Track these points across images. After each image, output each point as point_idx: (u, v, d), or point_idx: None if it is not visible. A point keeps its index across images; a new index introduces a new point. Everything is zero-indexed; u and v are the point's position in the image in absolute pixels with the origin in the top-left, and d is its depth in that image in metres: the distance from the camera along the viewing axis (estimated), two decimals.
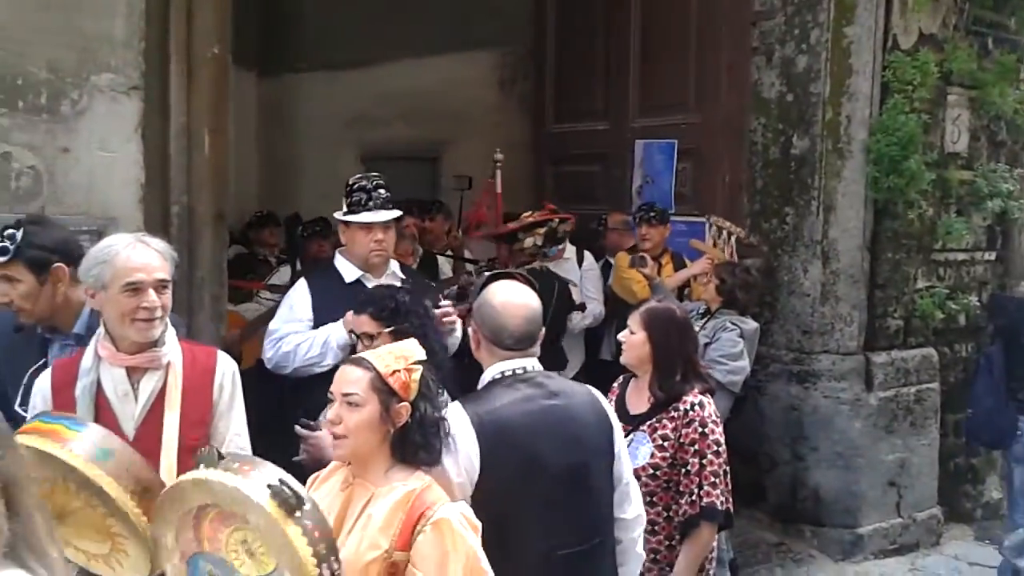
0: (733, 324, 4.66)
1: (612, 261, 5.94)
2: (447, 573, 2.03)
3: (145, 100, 3.51)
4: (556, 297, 5.03)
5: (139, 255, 2.52)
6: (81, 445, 2.03)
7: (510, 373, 2.51)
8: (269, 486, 1.85)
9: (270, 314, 5.13)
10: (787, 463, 5.57)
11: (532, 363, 2.55)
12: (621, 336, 3.31)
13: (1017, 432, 4.65)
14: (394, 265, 3.86)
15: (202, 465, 1.93)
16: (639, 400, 3.26)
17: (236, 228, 7.07)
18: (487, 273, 3.15)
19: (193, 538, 1.96)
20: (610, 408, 2.71)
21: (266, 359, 3.68)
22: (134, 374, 2.53)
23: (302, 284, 3.76)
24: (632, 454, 3.00)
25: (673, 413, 3.14)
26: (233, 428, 2.65)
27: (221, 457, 1.96)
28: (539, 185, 7.28)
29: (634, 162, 6.46)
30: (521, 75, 7.87)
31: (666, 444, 3.12)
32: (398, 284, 3.58)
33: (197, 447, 2.47)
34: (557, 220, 5.39)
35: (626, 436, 3.05)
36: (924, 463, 5.67)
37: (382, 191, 3.69)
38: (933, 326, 5.78)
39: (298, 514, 1.84)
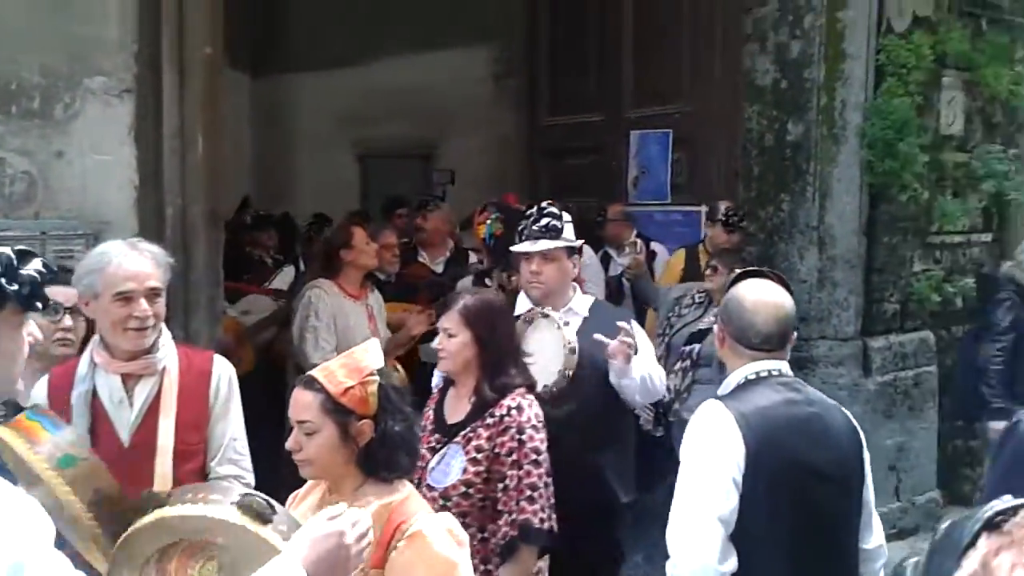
0: None
1: (611, 252, 5.95)
2: None
3: (138, 103, 3.50)
4: None
5: (131, 263, 2.51)
6: (47, 448, 2.00)
7: (765, 374, 2.39)
8: (235, 502, 1.75)
9: (275, 317, 5.16)
10: None
11: (785, 366, 2.44)
12: (435, 343, 3.01)
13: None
14: (580, 302, 3.50)
15: (152, 507, 1.80)
16: (457, 407, 2.96)
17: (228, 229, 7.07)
18: (738, 270, 2.82)
19: None
20: (857, 425, 2.51)
21: None
22: (129, 380, 2.54)
23: None
24: (443, 471, 2.81)
25: (488, 420, 2.83)
26: (230, 432, 2.65)
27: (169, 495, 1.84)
28: (534, 179, 7.29)
29: (629, 153, 6.47)
30: (514, 69, 7.86)
31: (480, 456, 2.80)
32: (578, 320, 3.40)
33: (192, 452, 2.46)
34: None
35: (440, 450, 2.86)
36: (923, 447, 5.68)
37: (548, 220, 3.40)
38: (930, 309, 5.79)
39: (272, 521, 1.74)
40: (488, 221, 5.27)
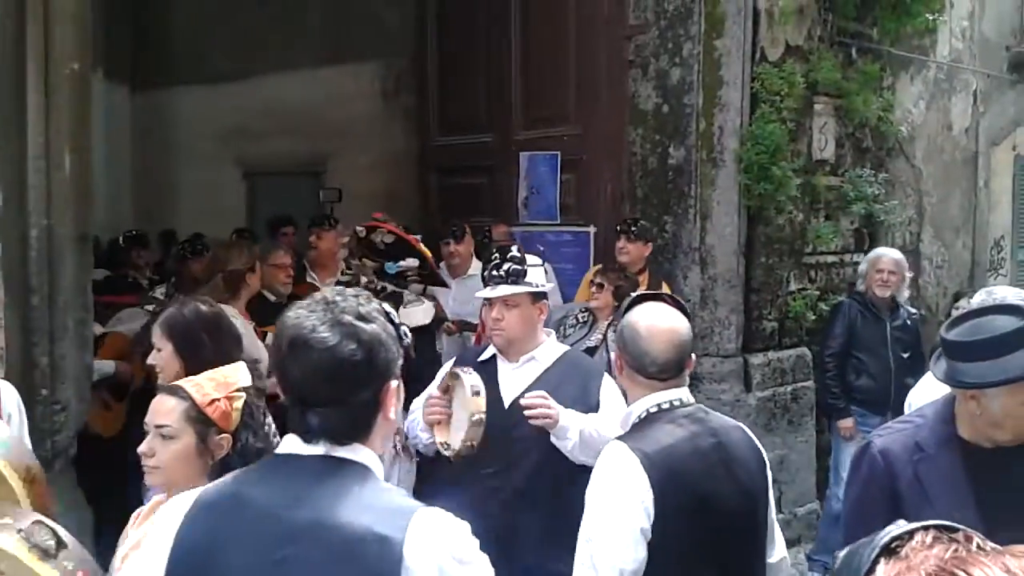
0: None
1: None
2: None
3: (1, 120, 3.34)
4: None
5: None
6: None
7: (667, 406, 2.32)
8: (21, 529, 1.65)
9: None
10: None
11: (686, 394, 2.39)
12: (151, 359, 2.88)
13: None
14: (546, 350, 3.25)
15: None
16: None
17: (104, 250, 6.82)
18: (632, 294, 2.84)
19: None
20: (759, 443, 2.50)
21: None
22: None
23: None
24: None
25: None
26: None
27: None
28: (425, 197, 7.26)
29: (520, 174, 6.51)
30: (404, 87, 7.82)
31: None
32: (537, 369, 3.20)
33: None
34: (364, 231, 5.13)
35: None
36: (802, 460, 5.88)
37: (510, 265, 3.18)
38: (806, 326, 6.00)
39: (57, 557, 1.62)
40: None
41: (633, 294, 2.82)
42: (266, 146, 8.53)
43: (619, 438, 2.32)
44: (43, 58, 3.44)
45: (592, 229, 5.90)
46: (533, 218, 6.31)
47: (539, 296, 3.26)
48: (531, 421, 2.98)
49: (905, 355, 5.44)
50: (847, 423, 5.44)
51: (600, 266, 5.48)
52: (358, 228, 5.10)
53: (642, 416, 2.34)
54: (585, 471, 2.47)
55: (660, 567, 2.19)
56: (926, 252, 7.28)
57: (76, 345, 3.66)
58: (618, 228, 5.50)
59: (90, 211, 3.86)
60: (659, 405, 2.33)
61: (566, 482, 2.96)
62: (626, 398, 2.56)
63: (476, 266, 5.77)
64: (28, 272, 3.50)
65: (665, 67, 5.63)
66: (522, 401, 3.03)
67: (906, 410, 3.34)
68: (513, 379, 3.21)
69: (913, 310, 5.78)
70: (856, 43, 6.31)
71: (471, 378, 3.05)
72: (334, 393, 1.58)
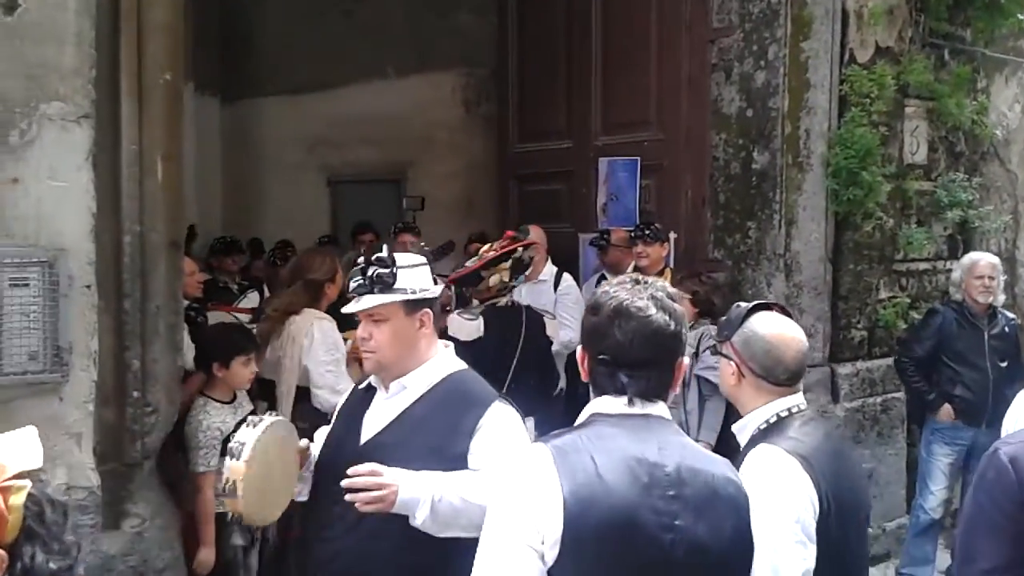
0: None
1: (609, 277, 5.94)
2: None
3: (96, 128, 3.45)
4: (524, 332, 4.69)
5: None
6: None
7: (796, 410, 2.38)
8: None
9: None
10: None
11: (803, 400, 2.43)
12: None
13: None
14: (425, 373, 2.61)
15: None
16: None
17: (202, 255, 7.01)
18: (745, 305, 2.54)
19: None
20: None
21: None
22: None
23: None
24: None
25: None
26: None
27: None
28: (504, 204, 7.28)
29: (598, 180, 6.48)
30: (484, 95, 7.87)
31: None
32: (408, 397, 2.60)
33: None
34: (521, 249, 4.91)
35: None
36: (892, 473, 5.70)
37: (375, 269, 2.57)
38: (897, 335, 5.82)
39: None
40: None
41: (745, 304, 2.56)
42: (349, 154, 8.69)
43: (765, 441, 2.30)
44: (136, 68, 3.53)
45: (673, 235, 5.82)
46: (612, 224, 6.26)
47: (416, 305, 2.59)
48: (358, 507, 2.34)
49: (1003, 364, 5.21)
50: (945, 410, 5.22)
51: (669, 274, 5.44)
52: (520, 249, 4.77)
53: (771, 421, 2.36)
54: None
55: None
56: (1022, 259, 7.00)
57: (167, 349, 3.74)
58: (632, 234, 5.54)
59: (182, 218, 3.96)
60: (788, 410, 2.37)
61: (431, 554, 2.40)
62: (736, 406, 2.52)
63: (549, 271, 5.76)
64: (121, 277, 3.59)
65: (749, 70, 5.54)
66: (343, 483, 2.35)
67: (1007, 422, 3.18)
68: (378, 413, 2.61)
69: (1012, 316, 5.53)
70: (948, 44, 6.13)
71: (245, 432, 2.44)
72: (648, 355, 1.88)
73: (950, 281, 5.53)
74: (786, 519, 2.16)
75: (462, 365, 2.67)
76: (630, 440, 1.84)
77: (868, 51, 5.56)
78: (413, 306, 2.59)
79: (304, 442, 2.61)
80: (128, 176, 3.55)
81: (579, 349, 2.01)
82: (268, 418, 2.49)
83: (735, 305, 2.58)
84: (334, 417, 2.79)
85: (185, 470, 3.95)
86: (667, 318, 1.88)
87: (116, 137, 3.54)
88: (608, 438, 1.83)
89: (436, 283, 2.72)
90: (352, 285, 2.61)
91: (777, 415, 2.36)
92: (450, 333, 4.44)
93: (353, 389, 2.83)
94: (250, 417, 2.54)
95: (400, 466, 2.38)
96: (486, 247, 4.86)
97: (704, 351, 4.74)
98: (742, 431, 2.43)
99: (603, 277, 6.17)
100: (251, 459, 2.37)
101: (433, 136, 8.20)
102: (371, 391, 2.67)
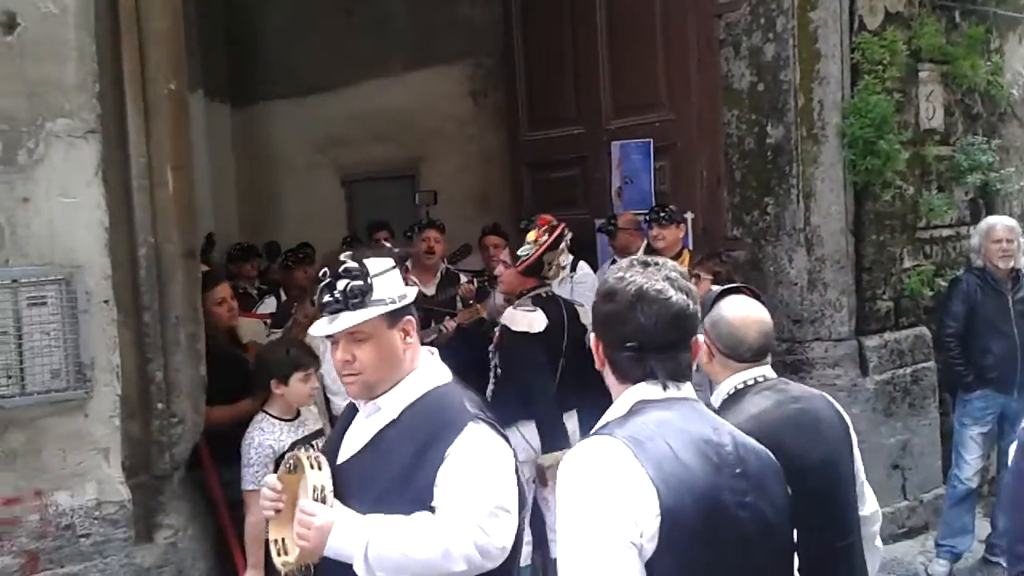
0: None
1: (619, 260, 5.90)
2: None
3: (103, 142, 3.45)
4: (567, 322, 4.61)
5: None
6: None
7: (752, 382, 2.58)
8: None
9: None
10: None
11: (769, 371, 2.64)
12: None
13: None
14: (402, 393, 2.31)
15: None
16: None
17: (220, 262, 7.02)
18: (717, 288, 2.80)
19: None
20: (840, 407, 2.71)
21: None
22: None
23: None
24: None
25: None
26: None
27: None
28: (518, 193, 7.24)
29: (612, 164, 6.43)
30: (492, 86, 7.82)
31: None
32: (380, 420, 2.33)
33: None
34: (566, 230, 4.80)
35: None
36: (926, 443, 5.62)
37: (348, 282, 2.26)
38: (924, 304, 5.74)
39: None
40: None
41: (717, 288, 2.84)
42: (361, 152, 8.67)
43: (724, 411, 2.47)
44: (140, 79, 3.53)
45: (690, 216, 5.76)
46: (627, 208, 6.21)
47: (398, 314, 2.31)
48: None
49: None
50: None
51: (688, 255, 5.41)
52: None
53: (730, 392, 2.58)
54: None
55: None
56: None
57: (189, 359, 3.75)
58: (647, 218, 5.53)
59: (195, 227, 3.95)
60: (744, 382, 2.57)
61: None
62: (711, 381, 2.76)
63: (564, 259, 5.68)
64: (139, 290, 3.60)
65: (758, 43, 5.46)
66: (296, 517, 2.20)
67: None
68: (356, 435, 2.35)
69: None
70: (959, 5, 6.00)
71: (316, 475, 2.21)
72: (673, 337, 1.87)
73: (970, 248, 5.44)
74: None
75: (445, 377, 2.38)
76: (688, 422, 1.84)
77: (878, 17, 5.46)
78: (395, 316, 2.30)
79: None
80: (139, 188, 3.56)
81: (592, 337, 1.98)
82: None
83: (708, 290, 2.88)
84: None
85: (224, 485, 3.95)
86: (685, 298, 1.87)
87: (124, 150, 3.55)
88: (670, 423, 1.82)
89: (408, 284, 2.43)
90: (325, 301, 2.27)
91: (735, 387, 2.57)
92: (515, 329, 4.39)
93: (350, 402, 2.54)
94: (311, 451, 2.37)
95: (368, 496, 2.18)
96: (532, 234, 4.72)
97: None
98: (715, 402, 2.61)
99: (614, 260, 6.15)
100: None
101: (443, 129, 8.16)
102: (350, 413, 2.45)
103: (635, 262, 1.92)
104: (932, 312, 5.80)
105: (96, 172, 3.41)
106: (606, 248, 6.39)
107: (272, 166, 9.26)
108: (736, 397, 2.55)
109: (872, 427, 5.41)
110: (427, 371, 2.36)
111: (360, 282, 2.25)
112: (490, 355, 4.59)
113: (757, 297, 2.74)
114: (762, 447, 1.95)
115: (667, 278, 1.87)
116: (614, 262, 5.96)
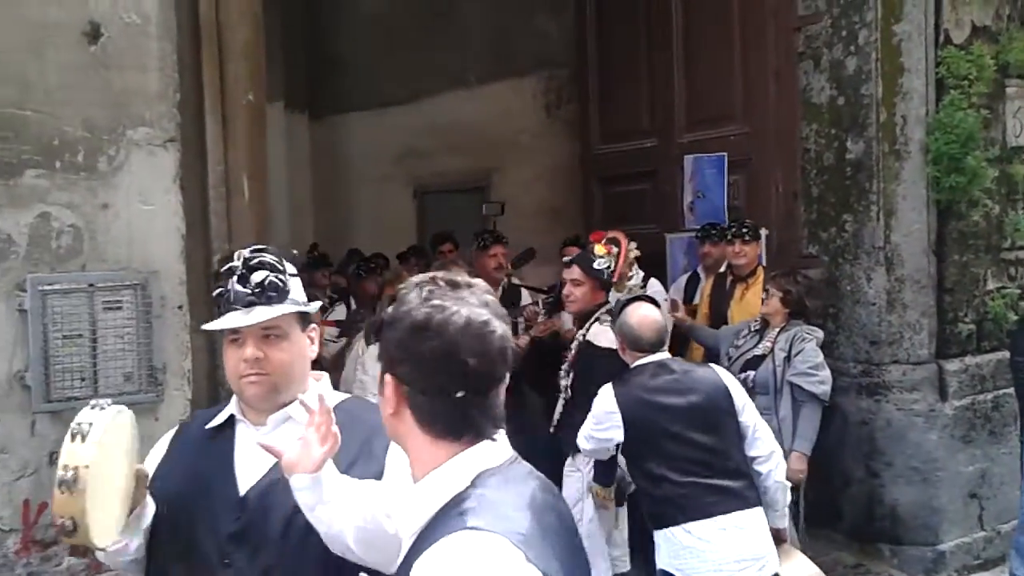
0: (808, 334, 4.66)
1: (703, 276, 5.97)
2: None
3: (182, 151, 3.53)
4: None
5: None
6: None
7: (648, 363, 3.57)
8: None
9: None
10: (861, 480, 5.35)
11: (665, 356, 3.62)
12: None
13: None
14: (311, 404, 1.95)
15: None
16: None
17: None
18: (624, 298, 3.88)
19: None
20: (731, 378, 3.63)
21: None
22: None
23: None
24: None
25: None
26: None
27: None
28: (588, 207, 7.20)
29: (684, 178, 6.35)
30: (565, 98, 7.81)
31: None
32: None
33: None
34: (631, 243, 4.82)
35: None
36: (1006, 472, 5.40)
37: (267, 274, 2.01)
38: (1007, 328, 5.52)
39: None
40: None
41: (623, 298, 3.99)
42: (434, 164, 8.73)
43: (612, 382, 3.61)
44: (219, 90, 3.61)
45: (764, 232, 5.65)
46: (700, 223, 6.12)
47: (308, 319, 2.11)
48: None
49: None
50: None
51: (762, 272, 5.32)
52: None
53: (632, 369, 3.60)
54: None
55: (639, 450, 3.59)
56: None
57: None
58: (730, 234, 5.46)
59: (269, 235, 4.01)
60: (645, 363, 3.59)
61: None
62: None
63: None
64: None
65: (840, 57, 5.33)
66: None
67: None
68: (256, 454, 1.97)
69: None
70: None
71: (90, 413, 1.85)
72: (498, 376, 1.51)
73: None
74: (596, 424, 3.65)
75: (343, 394, 2.20)
76: (541, 493, 1.52)
77: (964, 31, 5.30)
78: (306, 320, 2.11)
79: (144, 468, 1.99)
80: (215, 196, 3.64)
81: (387, 378, 1.54)
82: (117, 406, 1.91)
83: (616, 299, 3.94)
84: (160, 460, 2.13)
85: None
86: (504, 326, 1.51)
87: (202, 159, 3.63)
88: (531, 498, 1.48)
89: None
90: (234, 292, 1.99)
91: (637, 365, 3.59)
92: (602, 345, 4.27)
93: (184, 427, 2.24)
94: (95, 400, 1.92)
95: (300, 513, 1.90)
96: (600, 248, 4.64)
97: (796, 355, 4.56)
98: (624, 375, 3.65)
99: (694, 275, 6.06)
100: (101, 443, 1.79)
101: (516, 141, 8.17)
102: (224, 429, 2.08)
103: (439, 281, 1.51)
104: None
105: (174, 180, 3.49)
106: (678, 263, 6.32)
107: (348, 177, 9.38)
108: (634, 372, 3.58)
109: (950, 454, 5.22)
110: (324, 385, 2.15)
111: (279, 276, 2.04)
112: (561, 376, 4.52)
113: (654, 303, 3.68)
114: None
115: (485, 303, 1.49)
116: (694, 275, 5.92)
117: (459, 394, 1.46)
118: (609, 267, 4.55)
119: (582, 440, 3.75)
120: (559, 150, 7.84)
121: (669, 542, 3.46)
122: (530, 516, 1.43)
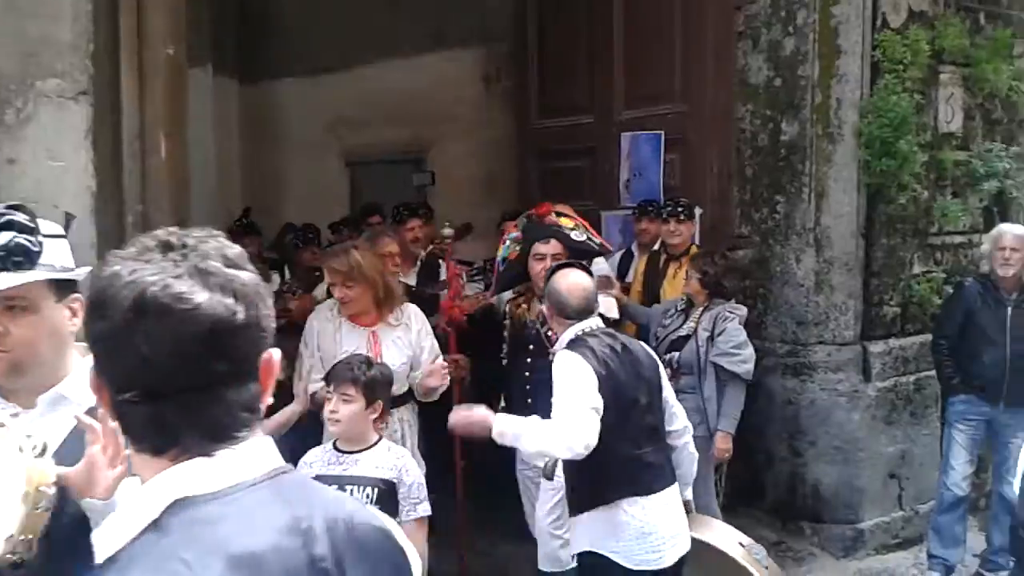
0: (731, 312, 4.66)
1: (637, 254, 5.92)
2: None
3: (95, 105, 3.35)
4: None
5: None
6: None
7: (588, 331, 3.37)
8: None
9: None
10: (784, 459, 5.41)
11: (597, 322, 3.44)
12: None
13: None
14: (64, 392, 1.83)
15: None
16: None
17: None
18: (554, 265, 3.69)
19: None
20: (654, 353, 3.60)
21: None
22: None
23: None
24: None
25: None
26: None
27: None
28: (525, 182, 7.12)
29: (621, 155, 6.31)
30: (504, 72, 7.70)
31: None
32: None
33: None
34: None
35: None
36: (925, 454, 5.51)
37: (15, 237, 1.79)
38: (931, 312, 5.61)
39: None
40: (506, 241, 4.65)
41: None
42: (368, 134, 8.54)
43: (566, 348, 3.34)
44: (136, 43, 3.43)
45: (699, 211, 5.64)
46: (635, 200, 6.10)
47: (67, 286, 1.87)
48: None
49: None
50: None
51: (695, 251, 5.28)
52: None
53: (572, 338, 3.35)
54: None
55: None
56: None
57: None
58: (665, 212, 5.41)
59: (186, 197, 3.85)
60: (583, 330, 3.37)
61: None
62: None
63: None
64: None
65: (778, 37, 5.34)
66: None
67: None
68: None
69: None
70: (984, 8, 5.87)
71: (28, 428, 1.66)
72: (203, 369, 1.13)
73: (980, 254, 5.29)
74: (578, 386, 3.19)
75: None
76: (281, 539, 1.11)
77: (901, 15, 5.34)
78: (64, 289, 1.85)
79: (59, 472, 1.64)
80: (129, 153, 3.46)
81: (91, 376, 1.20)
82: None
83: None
84: None
85: None
86: (231, 302, 1.10)
87: (116, 114, 3.45)
88: (256, 550, 1.08)
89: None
90: None
91: (576, 335, 3.34)
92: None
93: None
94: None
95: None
96: (569, 221, 4.53)
97: (719, 335, 4.57)
98: (559, 345, 3.39)
99: (628, 253, 6.04)
100: None
101: (453, 113, 8.03)
102: None
103: (150, 244, 1.12)
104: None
105: (86, 135, 3.32)
106: (614, 240, 6.29)
107: (278, 144, 9.15)
108: (578, 341, 3.33)
109: (872, 434, 5.31)
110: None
111: (28, 238, 1.78)
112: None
113: (586, 271, 3.54)
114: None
115: (198, 270, 1.09)
116: (628, 253, 5.89)
117: (127, 395, 1.09)
118: (588, 238, 4.48)
119: (576, 432, 3.10)
120: (497, 124, 7.73)
121: (608, 522, 3.23)
122: (226, 569, 1.04)
